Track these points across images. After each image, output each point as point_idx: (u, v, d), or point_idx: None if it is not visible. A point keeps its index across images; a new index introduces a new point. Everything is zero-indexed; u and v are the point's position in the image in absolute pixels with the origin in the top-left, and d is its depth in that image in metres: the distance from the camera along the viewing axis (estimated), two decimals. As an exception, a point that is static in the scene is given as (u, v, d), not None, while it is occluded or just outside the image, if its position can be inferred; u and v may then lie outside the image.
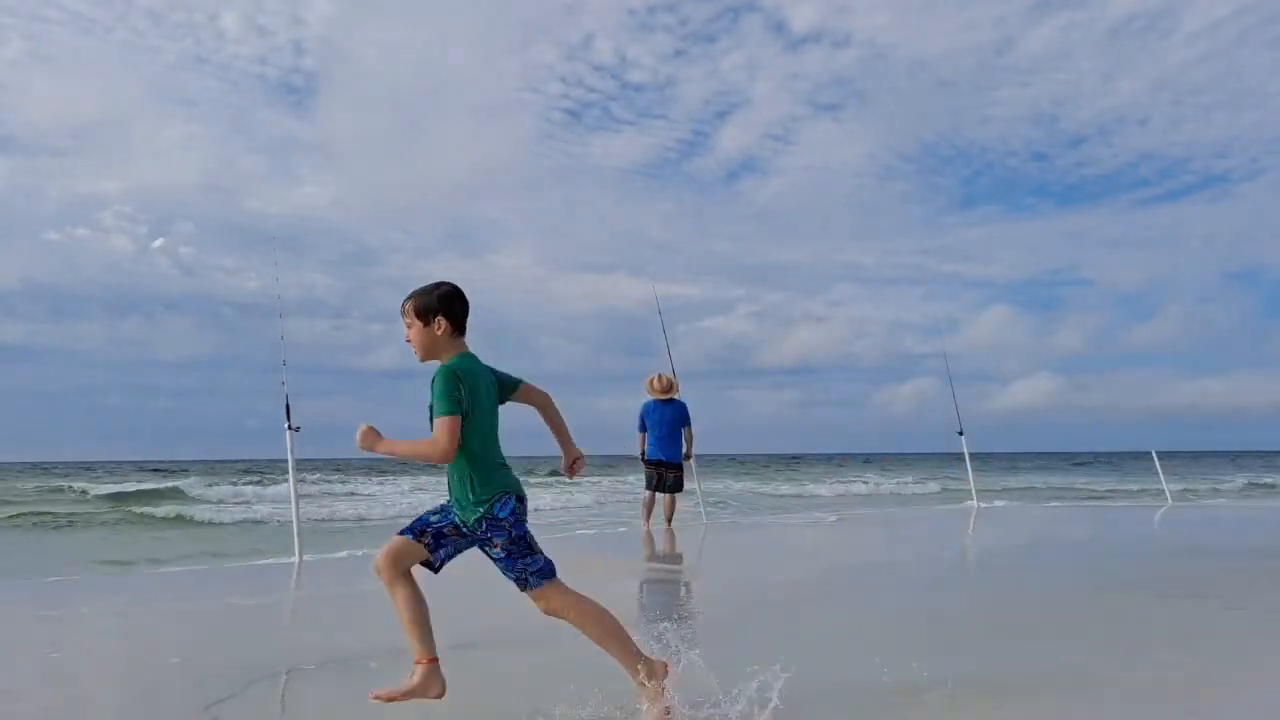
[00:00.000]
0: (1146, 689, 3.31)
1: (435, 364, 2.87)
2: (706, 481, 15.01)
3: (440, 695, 2.82)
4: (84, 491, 25.42)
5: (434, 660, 2.82)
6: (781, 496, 24.17)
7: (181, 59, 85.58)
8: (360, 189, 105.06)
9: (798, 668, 2.96)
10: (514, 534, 2.84)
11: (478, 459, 2.82)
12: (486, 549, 2.90)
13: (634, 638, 2.95)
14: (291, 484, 7.69)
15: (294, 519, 7.62)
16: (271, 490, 23.49)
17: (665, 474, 9.92)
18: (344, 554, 8.25)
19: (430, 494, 23.83)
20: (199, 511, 17.32)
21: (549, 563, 2.90)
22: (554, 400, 3.17)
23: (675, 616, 5.00)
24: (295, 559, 7.39)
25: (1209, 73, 74.66)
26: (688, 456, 10.14)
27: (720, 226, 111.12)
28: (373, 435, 2.84)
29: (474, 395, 2.78)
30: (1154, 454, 16.53)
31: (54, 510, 18.04)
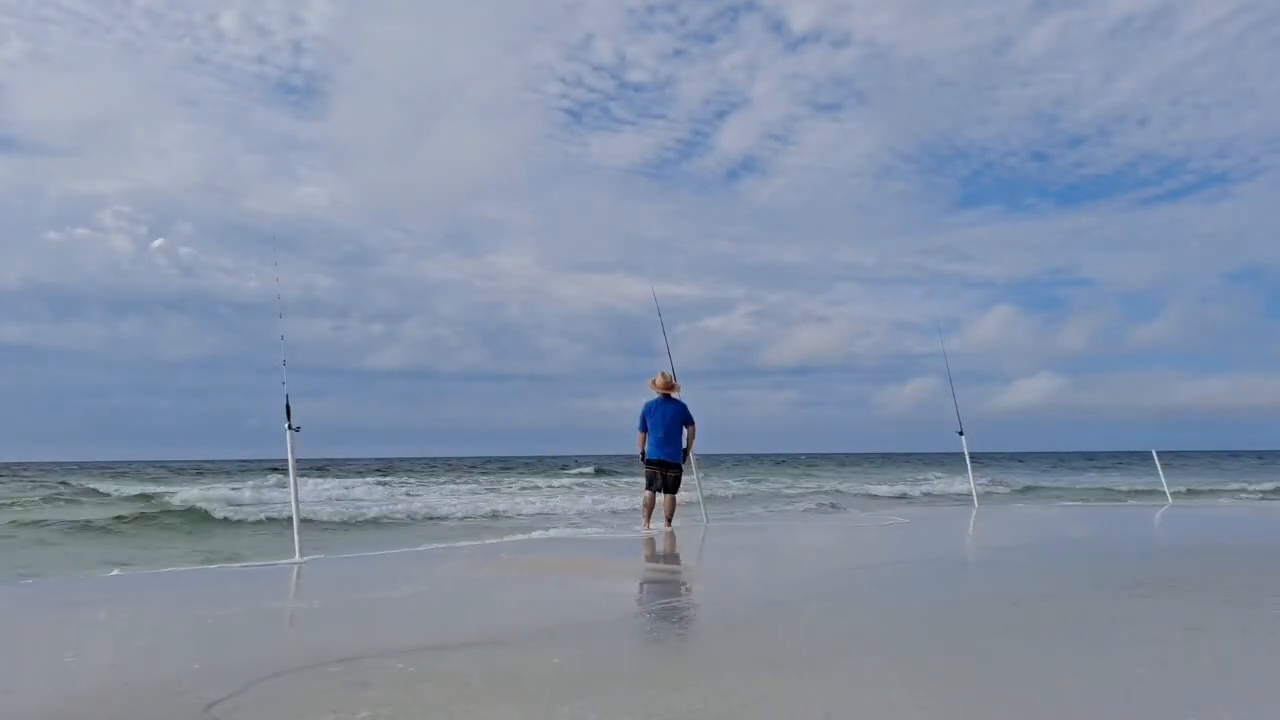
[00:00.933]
0: (1147, 688, 3.31)
1: None
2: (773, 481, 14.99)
3: None
4: (99, 491, 25.47)
5: None
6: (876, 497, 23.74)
7: (181, 59, 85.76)
8: (360, 189, 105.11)
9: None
10: None
11: None
12: None
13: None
14: (292, 484, 7.69)
15: (294, 519, 7.62)
16: (271, 490, 23.49)
17: (665, 474, 9.92)
18: (345, 554, 8.27)
19: (430, 494, 23.80)
20: (210, 510, 17.36)
21: None
22: None
23: (675, 618, 5.00)
24: (296, 559, 7.40)
25: (1208, 72, 74.77)
26: (686, 454, 10.12)
27: (720, 226, 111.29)
28: None
29: None
30: (1154, 454, 16.54)
31: (62, 517, 18.06)
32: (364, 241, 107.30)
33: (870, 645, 4.12)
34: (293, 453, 7.61)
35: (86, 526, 15.18)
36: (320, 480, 30.16)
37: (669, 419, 9.96)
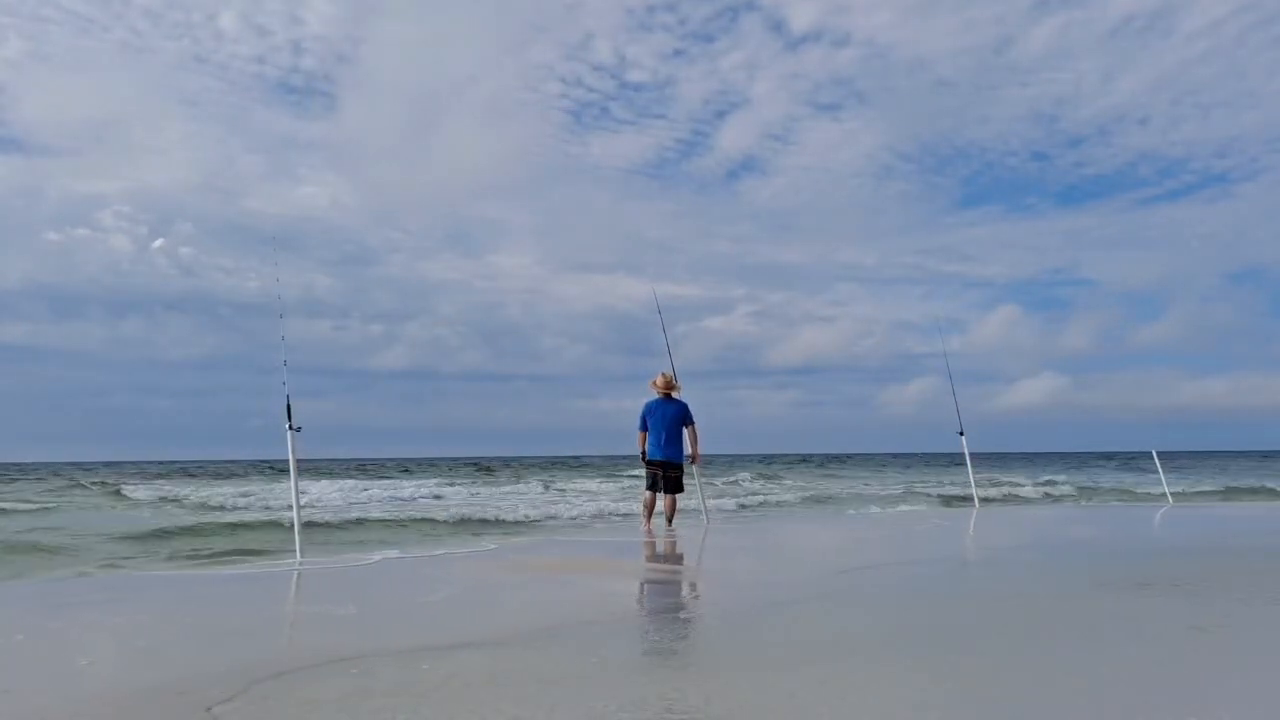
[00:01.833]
0: (1145, 688, 3.31)
1: None
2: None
3: None
4: (119, 491, 25.47)
5: None
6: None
7: (180, 59, 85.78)
8: (360, 189, 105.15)
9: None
10: None
11: None
12: None
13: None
14: (293, 484, 7.69)
15: (295, 519, 7.62)
16: (272, 490, 23.50)
17: (666, 474, 9.92)
18: (346, 554, 8.27)
19: (431, 494, 23.80)
20: (208, 508, 17.36)
21: None
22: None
23: (675, 618, 5.00)
24: (296, 558, 7.40)
25: (1209, 72, 74.73)
26: (694, 459, 10.12)
27: (720, 226, 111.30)
28: None
29: None
30: (1154, 454, 16.54)
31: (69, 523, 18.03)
32: (364, 241, 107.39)
33: (871, 645, 4.12)
34: (294, 453, 7.61)
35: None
36: (321, 480, 30.17)
37: (669, 419, 9.96)
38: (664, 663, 3.78)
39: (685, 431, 10.05)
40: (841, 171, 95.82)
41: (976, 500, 14.75)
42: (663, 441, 9.89)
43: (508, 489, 26.65)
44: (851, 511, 17.26)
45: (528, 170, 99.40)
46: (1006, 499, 21.99)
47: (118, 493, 24.93)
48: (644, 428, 9.98)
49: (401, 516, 15.85)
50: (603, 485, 27.17)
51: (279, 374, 7.69)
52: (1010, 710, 3.04)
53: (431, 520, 15.27)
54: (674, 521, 10.05)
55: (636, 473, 23.47)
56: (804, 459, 70.62)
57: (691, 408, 10.16)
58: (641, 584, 6.66)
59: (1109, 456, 67.14)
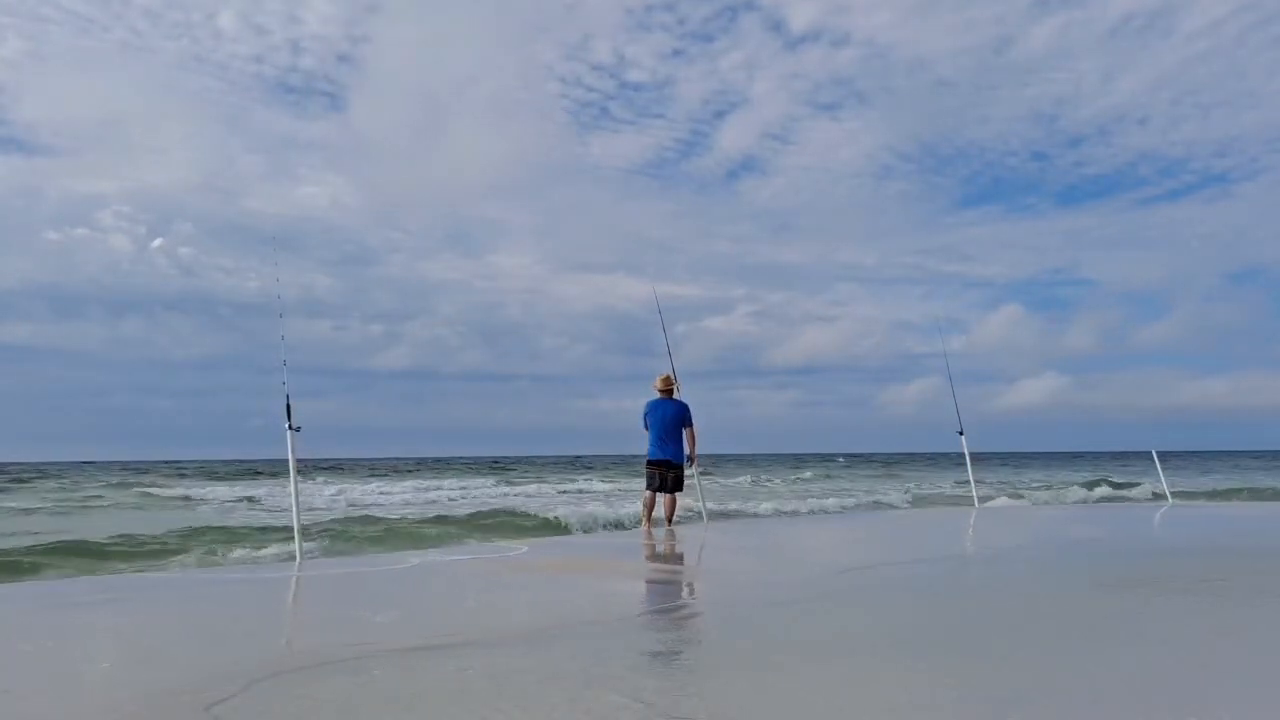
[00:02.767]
0: (1146, 688, 3.31)
1: None
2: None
3: None
4: (148, 492, 25.45)
5: None
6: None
7: (180, 58, 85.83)
8: (360, 189, 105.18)
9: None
10: None
11: None
12: None
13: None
14: (293, 484, 7.69)
15: (295, 519, 7.62)
16: (274, 489, 23.50)
17: (666, 474, 9.92)
18: (346, 554, 8.27)
19: (432, 493, 23.84)
20: (207, 507, 17.37)
21: None
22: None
23: (675, 617, 5.00)
24: (296, 559, 7.40)
25: (1208, 72, 74.77)
26: (691, 459, 10.12)
27: (720, 226, 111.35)
28: None
29: None
30: (1154, 454, 16.52)
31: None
32: (364, 241, 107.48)
33: (871, 645, 4.12)
34: (293, 453, 7.61)
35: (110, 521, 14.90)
36: (319, 481, 30.17)
37: (668, 419, 9.96)
38: (665, 663, 3.78)
39: (684, 432, 10.05)
40: (841, 171, 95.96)
41: (976, 500, 14.74)
42: (662, 442, 9.89)
43: (509, 490, 26.62)
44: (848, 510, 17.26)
45: (528, 170, 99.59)
46: (1004, 495, 21.99)
47: (185, 497, 24.69)
48: (647, 426, 10.00)
49: (401, 517, 15.86)
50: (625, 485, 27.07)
51: (279, 374, 7.70)
52: (1011, 710, 3.04)
53: (431, 520, 15.24)
54: (673, 520, 10.06)
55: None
56: (840, 460, 70.51)
57: (692, 408, 10.16)
58: (642, 583, 6.66)
59: (1110, 456, 67.13)
